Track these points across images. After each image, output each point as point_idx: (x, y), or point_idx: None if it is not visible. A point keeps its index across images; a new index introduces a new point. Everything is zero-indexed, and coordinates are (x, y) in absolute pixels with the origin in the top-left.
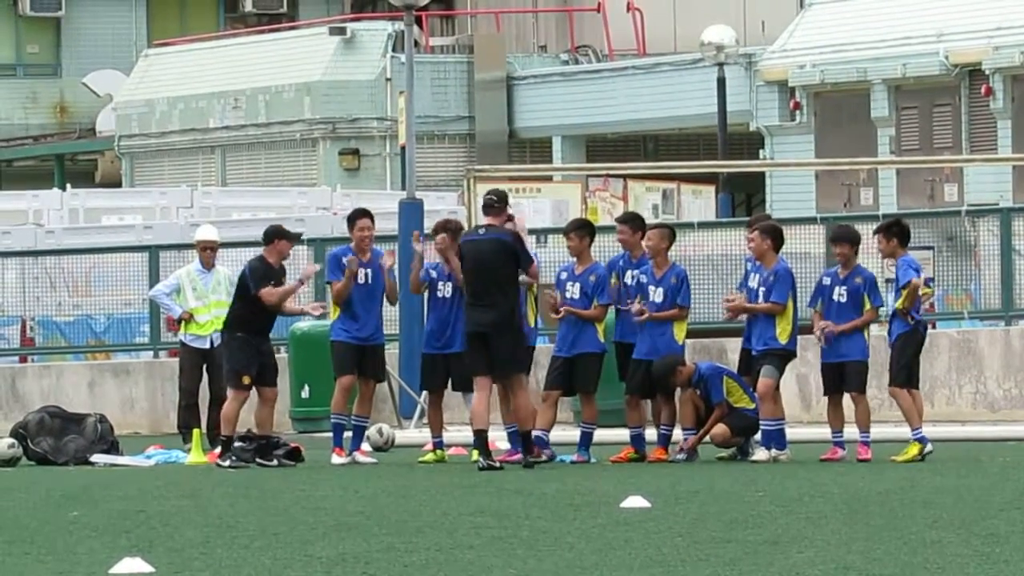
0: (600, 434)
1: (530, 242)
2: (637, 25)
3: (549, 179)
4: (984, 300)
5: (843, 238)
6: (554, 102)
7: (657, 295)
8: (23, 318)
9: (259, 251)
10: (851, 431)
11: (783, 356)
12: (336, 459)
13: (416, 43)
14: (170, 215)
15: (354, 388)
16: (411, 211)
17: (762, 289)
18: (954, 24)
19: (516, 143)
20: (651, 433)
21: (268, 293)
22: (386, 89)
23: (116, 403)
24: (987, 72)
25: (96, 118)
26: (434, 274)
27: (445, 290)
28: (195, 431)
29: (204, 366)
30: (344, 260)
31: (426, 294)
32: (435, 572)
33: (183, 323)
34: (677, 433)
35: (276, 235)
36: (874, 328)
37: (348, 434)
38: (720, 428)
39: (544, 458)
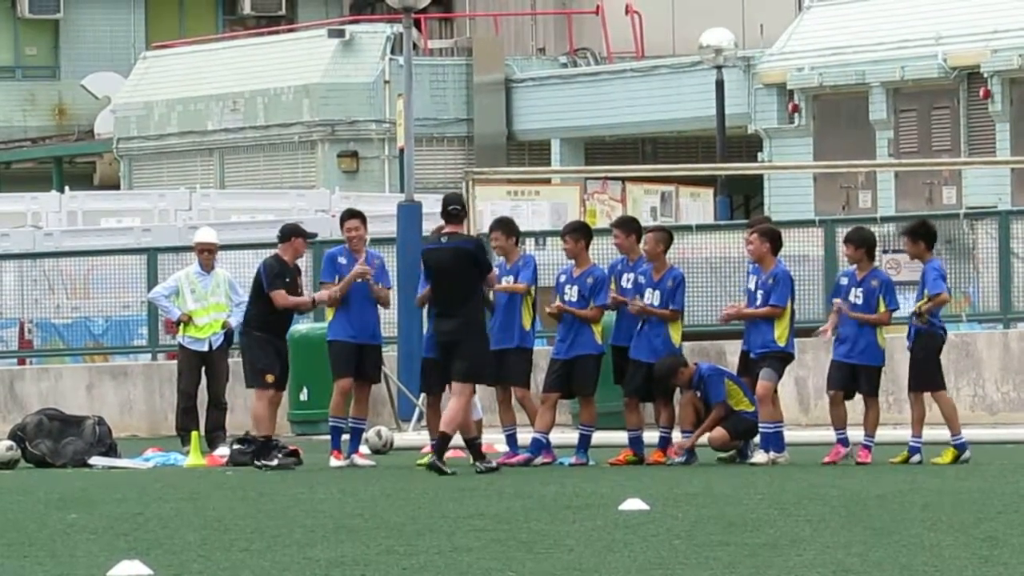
0: (599, 436)
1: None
2: (636, 28)
3: (548, 182)
4: (982, 303)
5: (849, 239)
6: (553, 105)
7: (654, 297)
8: (21, 320)
9: (258, 253)
10: (853, 433)
11: (782, 359)
12: (334, 462)
13: (415, 45)
14: (168, 217)
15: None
16: (409, 214)
17: (760, 292)
18: (952, 27)
19: (515, 146)
20: (651, 436)
21: (282, 297)
22: (384, 91)
23: (114, 405)
24: (985, 75)
25: (95, 120)
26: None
27: None
28: (193, 434)
29: (203, 368)
30: (357, 266)
31: None
32: (434, 575)
33: (181, 325)
34: (676, 436)
35: (293, 233)
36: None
37: (346, 437)
38: (719, 432)
39: (494, 464)
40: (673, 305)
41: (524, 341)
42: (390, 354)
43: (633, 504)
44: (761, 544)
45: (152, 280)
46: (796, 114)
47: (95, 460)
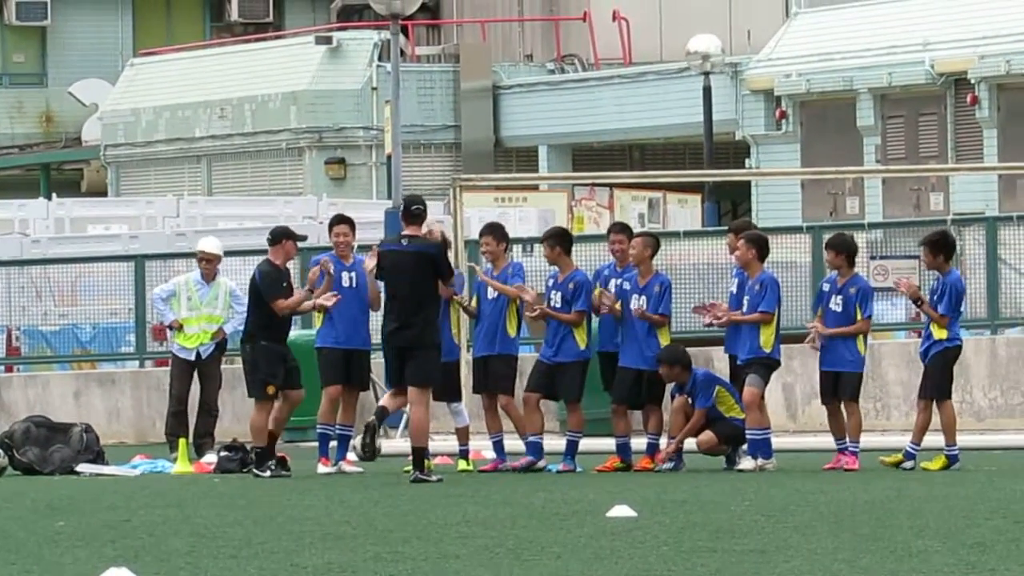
0: (586, 443)
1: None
2: (623, 34)
3: (535, 188)
4: (970, 309)
5: (830, 245)
6: (540, 111)
7: (640, 303)
8: (9, 327)
9: (245, 260)
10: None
11: (768, 365)
12: (322, 469)
13: (402, 52)
14: (156, 225)
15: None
16: (397, 220)
17: (746, 298)
18: (940, 33)
19: (502, 152)
20: (639, 443)
21: (283, 306)
22: (372, 98)
23: (102, 413)
24: (973, 81)
25: (82, 127)
26: None
27: None
28: (181, 441)
29: (195, 373)
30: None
31: None
32: None
33: (172, 331)
34: (665, 443)
35: (283, 236)
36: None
37: (334, 444)
38: (707, 435)
39: (434, 479)
40: (661, 310)
41: (509, 348)
42: (377, 360)
43: (621, 511)
44: (749, 550)
45: (139, 287)
46: (783, 120)
47: (83, 467)
